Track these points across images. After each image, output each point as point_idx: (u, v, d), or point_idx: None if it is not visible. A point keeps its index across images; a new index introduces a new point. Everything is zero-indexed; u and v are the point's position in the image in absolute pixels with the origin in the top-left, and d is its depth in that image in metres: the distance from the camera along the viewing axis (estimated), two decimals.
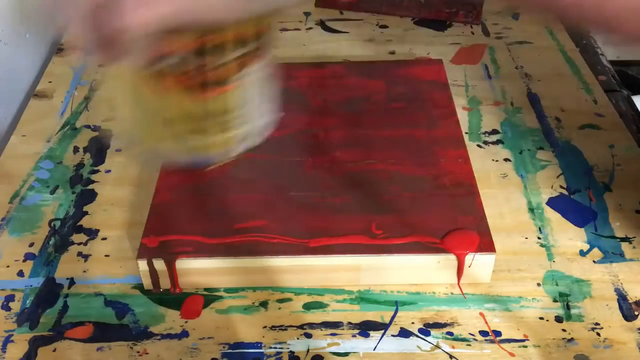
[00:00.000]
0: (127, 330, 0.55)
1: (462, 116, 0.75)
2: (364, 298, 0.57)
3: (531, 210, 0.64)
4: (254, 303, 0.57)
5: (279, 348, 0.53)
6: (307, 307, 0.56)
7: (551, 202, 0.65)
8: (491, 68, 0.83)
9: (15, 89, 0.82)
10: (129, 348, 0.53)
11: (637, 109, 0.76)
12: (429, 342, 0.53)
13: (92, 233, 0.63)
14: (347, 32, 0.90)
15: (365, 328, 0.54)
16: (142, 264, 0.56)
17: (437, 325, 0.54)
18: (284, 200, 0.60)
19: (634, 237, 0.61)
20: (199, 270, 0.56)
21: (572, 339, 0.53)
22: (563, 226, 0.62)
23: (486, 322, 0.55)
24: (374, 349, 0.53)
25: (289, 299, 0.57)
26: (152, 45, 0.37)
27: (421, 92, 0.72)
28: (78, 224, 0.64)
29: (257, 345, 0.53)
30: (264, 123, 0.46)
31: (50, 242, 0.62)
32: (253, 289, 0.57)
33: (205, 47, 0.40)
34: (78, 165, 0.70)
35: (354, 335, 0.54)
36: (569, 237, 0.61)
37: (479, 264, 0.56)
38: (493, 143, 0.71)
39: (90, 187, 0.68)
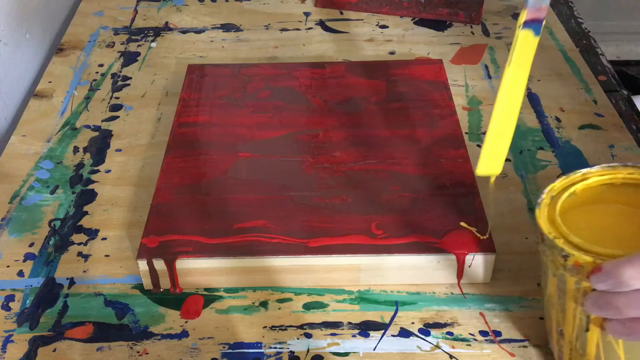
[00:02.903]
0: (127, 330, 0.55)
1: (462, 116, 0.75)
2: (364, 298, 0.57)
3: (531, 210, 0.64)
4: (254, 303, 0.57)
5: (279, 348, 0.53)
6: (307, 307, 0.56)
7: None
8: (491, 68, 0.83)
9: (15, 89, 0.82)
10: (129, 348, 0.53)
11: (637, 109, 0.76)
12: (429, 342, 0.53)
13: (92, 233, 0.63)
14: (347, 32, 0.90)
15: (365, 328, 0.54)
16: (142, 264, 0.56)
17: (437, 325, 0.54)
18: (284, 200, 0.60)
19: None
20: (199, 270, 0.56)
21: None
22: None
23: (486, 322, 0.55)
24: (374, 349, 0.53)
25: (289, 299, 0.57)
26: None
27: (421, 92, 0.72)
28: (78, 224, 0.64)
29: (257, 345, 0.53)
30: None
31: (50, 242, 0.62)
32: (253, 289, 0.58)
33: None
34: (78, 165, 0.70)
35: (354, 335, 0.54)
36: None
37: (479, 264, 0.56)
38: None
39: (90, 187, 0.68)
